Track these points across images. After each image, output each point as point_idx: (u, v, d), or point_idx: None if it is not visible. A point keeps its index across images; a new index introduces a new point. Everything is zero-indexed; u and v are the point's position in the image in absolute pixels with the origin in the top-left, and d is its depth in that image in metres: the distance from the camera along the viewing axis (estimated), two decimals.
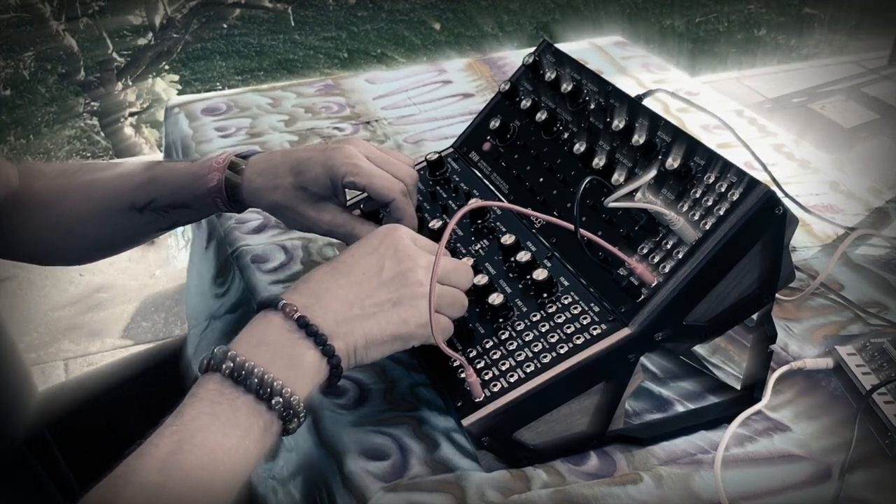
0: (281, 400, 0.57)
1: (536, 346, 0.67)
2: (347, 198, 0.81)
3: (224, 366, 0.57)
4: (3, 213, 0.84)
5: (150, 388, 1.04)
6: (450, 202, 0.84)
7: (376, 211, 0.84)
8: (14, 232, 0.86)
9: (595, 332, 0.66)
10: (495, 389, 0.65)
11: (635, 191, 0.69)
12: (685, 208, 0.66)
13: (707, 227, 0.64)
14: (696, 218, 0.65)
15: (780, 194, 0.73)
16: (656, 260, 0.66)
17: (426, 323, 0.63)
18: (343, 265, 0.64)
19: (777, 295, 0.69)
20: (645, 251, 0.67)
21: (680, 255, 0.65)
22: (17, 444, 0.90)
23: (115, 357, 2.15)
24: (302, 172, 0.78)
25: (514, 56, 1.41)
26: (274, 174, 0.79)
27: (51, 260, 0.94)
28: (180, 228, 1.23)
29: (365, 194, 0.84)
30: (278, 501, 0.75)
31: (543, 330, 0.67)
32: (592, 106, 0.79)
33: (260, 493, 0.78)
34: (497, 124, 0.86)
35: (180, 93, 3.46)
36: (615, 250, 0.67)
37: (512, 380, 0.65)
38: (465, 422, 0.64)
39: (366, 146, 0.80)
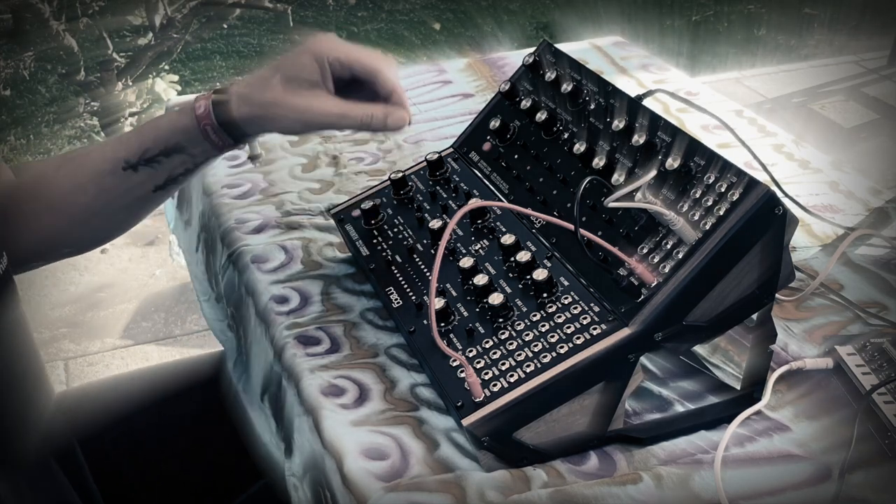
0: None
1: (536, 345, 0.67)
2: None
3: None
4: (5, 210, 0.84)
5: (183, 403, 1.02)
6: (450, 202, 0.84)
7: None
8: (15, 226, 0.85)
9: (595, 332, 0.66)
10: (495, 389, 0.65)
11: (635, 191, 0.69)
12: (685, 208, 0.66)
13: (707, 227, 0.64)
14: (696, 218, 0.65)
15: (780, 194, 0.73)
16: (656, 260, 0.66)
17: None
18: None
19: (777, 295, 0.69)
20: (645, 251, 0.67)
21: (680, 255, 0.65)
22: (34, 446, 0.88)
23: (114, 356, 2.15)
24: (287, 66, 0.78)
25: (514, 56, 1.41)
26: (260, 77, 0.79)
27: (56, 248, 0.92)
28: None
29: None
30: (299, 498, 0.75)
31: (543, 330, 0.67)
32: (592, 106, 0.79)
33: (289, 489, 0.78)
34: (497, 124, 0.86)
35: (180, 93, 3.46)
36: (615, 250, 0.67)
37: (512, 380, 0.65)
38: (465, 422, 0.64)
39: (337, 38, 0.81)
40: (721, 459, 0.67)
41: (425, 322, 0.74)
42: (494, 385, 0.65)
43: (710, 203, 0.65)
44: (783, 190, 0.90)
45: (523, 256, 0.72)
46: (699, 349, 0.78)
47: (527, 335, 0.68)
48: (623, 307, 0.66)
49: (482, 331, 0.70)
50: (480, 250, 0.77)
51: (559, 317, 0.68)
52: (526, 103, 0.85)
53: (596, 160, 0.75)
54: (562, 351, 0.65)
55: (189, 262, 1.14)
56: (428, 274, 0.78)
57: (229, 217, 0.98)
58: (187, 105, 0.81)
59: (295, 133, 0.83)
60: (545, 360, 0.65)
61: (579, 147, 0.77)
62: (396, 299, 0.78)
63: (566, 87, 0.81)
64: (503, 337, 0.68)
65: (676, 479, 0.66)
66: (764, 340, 0.71)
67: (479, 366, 0.67)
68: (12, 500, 0.81)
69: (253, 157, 0.92)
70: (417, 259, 0.80)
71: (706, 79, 3.54)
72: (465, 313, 0.72)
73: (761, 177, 0.67)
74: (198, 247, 1.08)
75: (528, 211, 0.74)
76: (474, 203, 0.75)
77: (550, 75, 0.83)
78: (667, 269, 0.65)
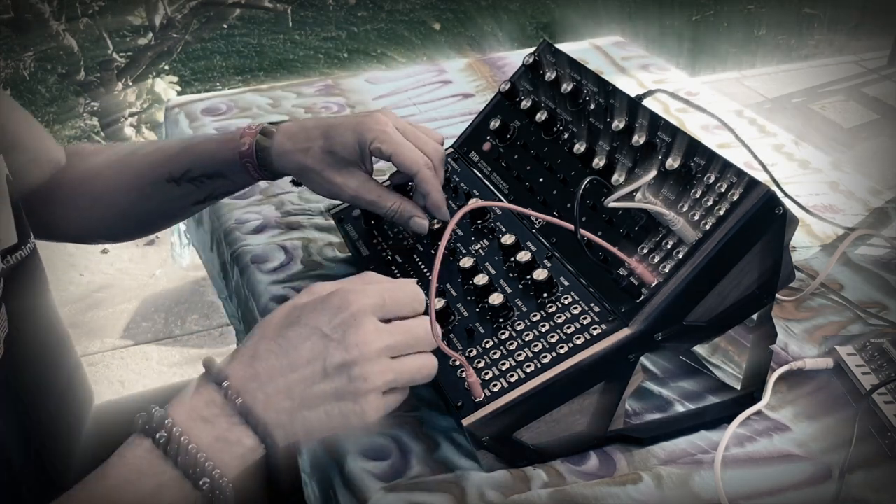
0: (209, 481, 0.55)
1: (536, 346, 0.67)
2: (375, 168, 0.82)
3: (158, 434, 0.55)
4: (51, 191, 0.85)
5: None
6: (450, 202, 0.84)
7: (404, 185, 0.84)
8: (61, 210, 0.87)
9: (595, 332, 0.66)
10: (495, 389, 0.65)
11: (635, 191, 0.69)
12: (685, 208, 0.66)
13: (707, 227, 0.64)
14: (696, 218, 0.65)
15: (780, 194, 0.73)
16: (656, 260, 0.66)
17: (369, 421, 0.60)
18: (288, 343, 0.59)
19: (777, 295, 0.69)
20: (645, 251, 0.67)
21: (680, 255, 0.65)
22: (70, 464, 0.83)
23: (114, 357, 2.15)
24: (331, 136, 0.79)
25: (514, 56, 1.41)
26: (305, 137, 0.81)
27: (94, 237, 0.94)
28: (182, 229, 1.23)
29: (395, 170, 0.85)
30: (307, 494, 0.75)
31: (543, 330, 0.67)
32: (592, 106, 0.79)
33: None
34: (497, 124, 0.86)
35: (180, 93, 3.46)
36: (615, 250, 0.67)
37: (512, 380, 0.65)
38: (465, 422, 0.64)
39: (396, 118, 0.81)
40: (721, 459, 0.67)
41: None
42: (494, 385, 0.65)
43: (710, 203, 0.65)
44: (783, 190, 0.90)
45: (523, 256, 0.72)
46: (699, 349, 0.78)
47: (527, 335, 0.68)
48: (623, 307, 0.66)
49: (482, 331, 0.70)
50: (480, 250, 0.77)
51: (559, 317, 0.68)
52: (526, 103, 0.85)
53: (596, 160, 0.75)
54: (562, 351, 0.65)
55: (204, 260, 1.14)
56: (428, 274, 0.78)
57: (229, 217, 0.98)
58: (232, 137, 0.82)
59: (325, 197, 0.84)
60: (545, 361, 0.65)
61: (579, 147, 0.77)
62: None
63: (566, 87, 0.81)
64: (503, 337, 0.68)
65: (676, 479, 0.66)
66: (764, 340, 0.71)
67: (479, 366, 0.67)
68: None
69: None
70: (417, 259, 0.80)
71: (706, 79, 3.55)
72: (465, 313, 0.72)
73: (761, 177, 0.67)
74: (212, 245, 1.08)
75: (528, 211, 0.74)
76: (474, 203, 0.75)
77: (550, 75, 0.83)
78: (667, 269, 0.65)
